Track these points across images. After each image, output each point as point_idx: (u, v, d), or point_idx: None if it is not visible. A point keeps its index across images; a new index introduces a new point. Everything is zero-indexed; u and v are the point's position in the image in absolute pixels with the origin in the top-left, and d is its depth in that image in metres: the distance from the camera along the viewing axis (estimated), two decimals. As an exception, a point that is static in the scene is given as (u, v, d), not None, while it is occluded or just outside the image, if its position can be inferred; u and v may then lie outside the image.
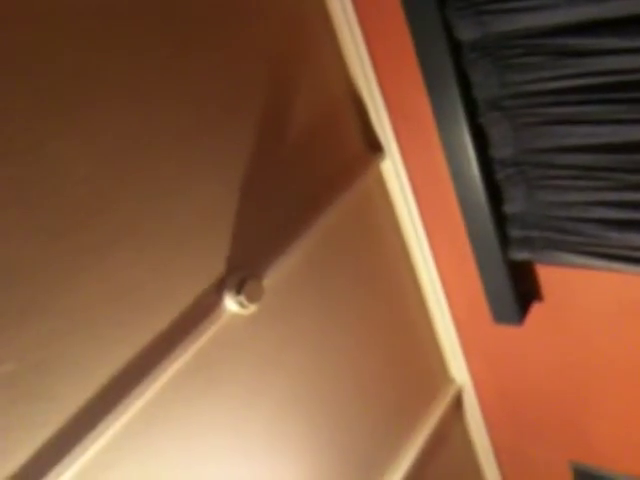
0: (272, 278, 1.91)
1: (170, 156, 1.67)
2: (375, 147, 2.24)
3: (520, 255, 2.13)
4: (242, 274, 1.83)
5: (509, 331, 2.44)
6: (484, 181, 2.03)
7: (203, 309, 1.75)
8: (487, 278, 2.22)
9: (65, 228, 1.45)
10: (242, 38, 1.84)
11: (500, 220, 2.11)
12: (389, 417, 2.47)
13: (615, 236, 1.92)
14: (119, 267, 1.55)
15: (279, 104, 1.95)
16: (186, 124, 1.70)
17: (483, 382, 2.69)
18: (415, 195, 2.31)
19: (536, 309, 2.31)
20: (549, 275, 2.21)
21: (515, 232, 2.11)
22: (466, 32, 1.87)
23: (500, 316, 2.30)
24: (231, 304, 1.81)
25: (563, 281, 2.18)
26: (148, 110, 1.62)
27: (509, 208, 2.09)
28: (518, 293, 2.22)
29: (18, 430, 1.37)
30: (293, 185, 2.00)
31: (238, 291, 1.81)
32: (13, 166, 1.37)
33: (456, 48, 1.91)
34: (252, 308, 1.84)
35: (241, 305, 1.81)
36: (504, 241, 2.14)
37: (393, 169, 2.26)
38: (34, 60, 1.40)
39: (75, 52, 1.47)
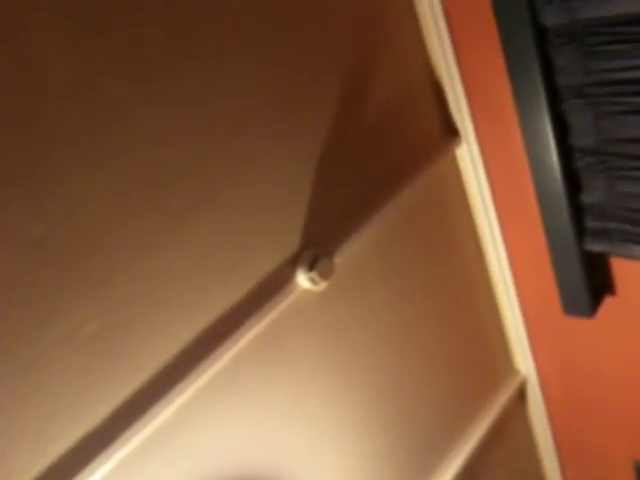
0: (343, 256, 1.93)
1: (253, 128, 1.70)
2: (452, 132, 2.23)
3: (596, 247, 2.10)
4: (315, 251, 1.85)
5: (579, 323, 2.41)
6: (563, 169, 2.01)
7: (277, 282, 1.78)
8: (560, 268, 2.19)
9: (149, 192, 1.50)
10: (327, 17, 1.86)
11: (577, 210, 2.08)
12: (451, 403, 2.47)
13: (696, 231, 1.87)
14: (200, 234, 1.60)
15: (359, 83, 1.96)
16: (270, 97, 1.73)
17: (548, 374, 2.66)
18: (490, 181, 2.29)
19: (608, 302, 2.28)
20: (624, 269, 2.17)
21: (592, 223, 2.08)
22: (552, 17, 1.85)
23: (570, 307, 2.27)
24: (303, 280, 1.83)
25: (638, 276, 2.14)
26: (235, 82, 1.66)
27: (587, 198, 2.06)
28: (591, 285, 2.19)
29: (101, 387, 1.43)
30: (368, 165, 2.01)
31: (310, 267, 1.83)
32: (103, 134, 1.41)
33: (541, 33, 1.88)
34: (323, 285, 1.87)
35: (313, 281, 1.84)
36: (580, 231, 2.11)
37: (469, 154, 2.25)
38: (125, 30, 1.44)
39: (168, 25, 1.51)
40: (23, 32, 1.29)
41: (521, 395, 2.74)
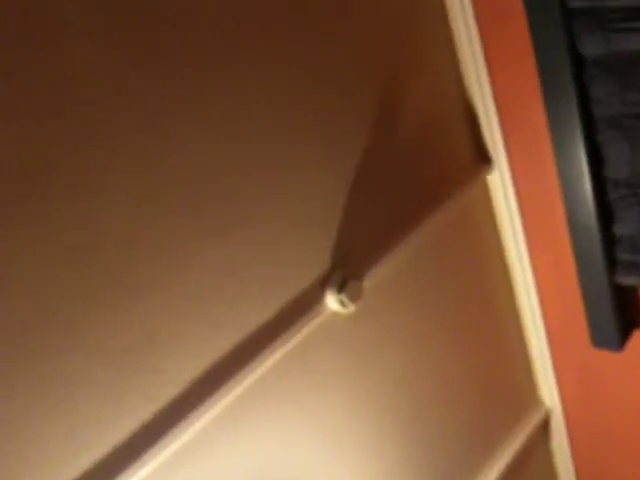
0: (372, 280, 1.92)
1: (287, 147, 1.71)
2: (484, 158, 2.22)
3: (627, 280, 2.08)
4: (345, 273, 1.85)
5: (606, 357, 2.37)
6: (596, 200, 1.99)
7: (306, 303, 1.77)
8: (590, 300, 2.17)
9: (183, 207, 1.50)
10: (364, 36, 1.87)
11: (609, 242, 2.07)
12: (474, 433, 2.44)
13: None
14: (232, 251, 1.60)
15: (393, 106, 1.96)
16: (305, 117, 1.74)
17: (573, 407, 2.63)
18: (520, 209, 2.28)
19: (637, 337, 2.25)
20: (655, 303, 2.15)
21: (624, 255, 2.06)
22: (591, 47, 1.84)
23: (599, 340, 2.24)
24: (332, 302, 1.83)
25: (669, 310, 2.12)
26: (270, 99, 1.66)
27: (619, 230, 2.04)
28: (620, 318, 2.17)
29: (128, 400, 1.43)
30: (399, 188, 2.01)
31: (340, 289, 1.82)
32: (135, 141, 1.42)
33: (578, 62, 1.88)
34: (351, 308, 1.86)
35: (342, 304, 1.83)
36: (611, 264, 2.09)
37: (500, 182, 2.24)
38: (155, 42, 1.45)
39: (205, 35, 1.53)
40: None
41: (545, 427, 2.70)
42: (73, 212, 1.33)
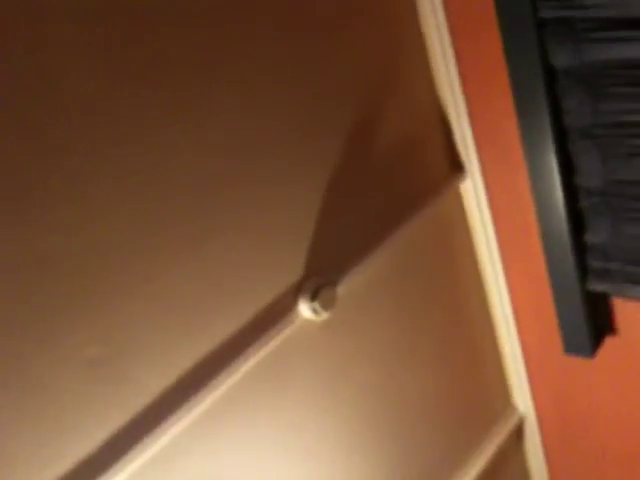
0: (345, 288, 1.93)
1: (263, 155, 1.71)
2: (457, 167, 2.24)
3: (598, 287, 2.10)
4: (318, 281, 1.85)
5: (579, 363, 2.40)
6: (568, 209, 2.01)
7: (278, 311, 1.77)
8: (562, 307, 2.19)
9: (157, 215, 1.50)
10: (341, 50, 1.87)
11: (580, 250, 2.09)
12: (448, 439, 2.45)
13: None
14: (208, 259, 1.60)
15: (368, 116, 1.97)
16: (284, 128, 1.75)
17: (546, 413, 2.65)
18: (493, 217, 2.29)
19: (609, 343, 2.27)
20: (626, 310, 2.17)
21: (595, 263, 2.09)
22: (562, 58, 1.86)
23: (571, 346, 2.26)
24: (305, 309, 1.83)
25: (640, 317, 2.14)
26: (255, 111, 1.68)
27: (591, 238, 2.06)
28: (592, 325, 2.19)
29: (98, 411, 1.42)
30: (374, 197, 2.02)
31: (313, 297, 1.82)
32: (118, 151, 1.42)
33: (550, 73, 1.90)
34: (324, 315, 1.86)
35: (314, 311, 1.83)
36: (583, 271, 2.11)
37: (473, 190, 2.26)
38: (150, 50, 1.45)
39: (193, 47, 1.53)
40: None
41: (518, 433, 2.72)
42: (48, 219, 1.32)
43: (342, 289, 1.91)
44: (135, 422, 1.49)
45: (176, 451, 1.59)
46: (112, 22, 1.39)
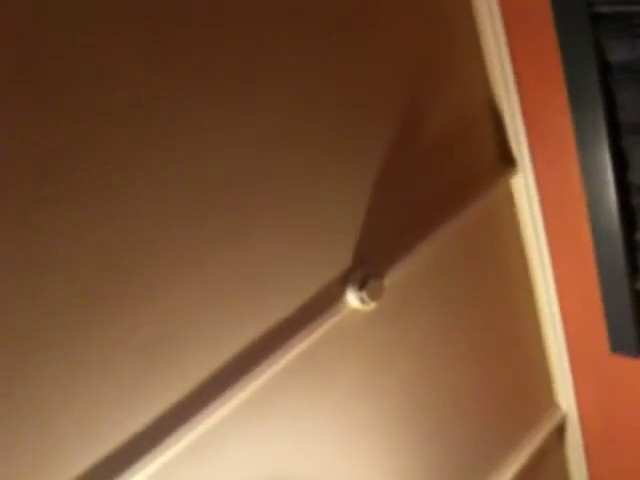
0: (392, 279, 1.93)
1: (309, 145, 1.72)
2: (508, 161, 2.22)
3: (648, 286, 2.08)
4: (366, 271, 1.86)
5: (625, 363, 2.37)
6: (620, 206, 1.99)
7: (326, 300, 1.79)
8: (610, 305, 2.17)
9: (204, 204, 1.52)
10: (394, 42, 1.88)
11: (631, 248, 2.06)
12: (490, 434, 2.44)
13: None
14: (252, 248, 1.61)
15: (419, 106, 1.97)
16: (329, 116, 1.75)
17: (589, 412, 2.62)
18: (543, 212, 2.28)
19: (657, 344, 2.24)
20: (676, 310, 2.14)
21: (646, 262, 2.06)
22: (617, 53, 1.84)
23: (618, 345, 2.24)
24: (353, 299, 1.84)
25: (690, 318, 2.11)
26: (295, 101, 1.68)
27: (642, 236, 2.04)
28: (640, 324, 2.17)
29: (147, 392, 1.45)
30: (423, 188, 2.02)
31: (360, 287, 1.84)
32: (160, 145, 1.44)
33: (605, 68, 1.88)
34: (371, 305, 1.87)
35: (362, 301, 1.84)
36: (633, 270, 2.09)
37: (524, 185, 2.24)
38: (190, 44, 1.47)
39: (233, 41, 1.54)
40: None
41: (560, 432, 2.70)
42: (99, 212, 1.35)
43: (389, 280, 1.91)
44: (183, 403, 1.52)
45: (220, 434, 1.61)
46: (148, 22, 1.41)
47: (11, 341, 1.26)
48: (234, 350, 1.61)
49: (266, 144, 1.63)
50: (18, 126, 1.23)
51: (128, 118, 1.38)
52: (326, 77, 1.74)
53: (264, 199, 1.64)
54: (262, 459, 1.73)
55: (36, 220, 1.27)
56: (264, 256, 1.65)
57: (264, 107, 1.61)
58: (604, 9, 1.81)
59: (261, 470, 1.73)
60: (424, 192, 2.03)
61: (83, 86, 1.31)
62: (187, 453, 1.55)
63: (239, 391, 1.61)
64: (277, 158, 1.65)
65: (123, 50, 1.36)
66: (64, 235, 1.31)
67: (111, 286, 1.38)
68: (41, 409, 1.31)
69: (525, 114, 2.14)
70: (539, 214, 2.28)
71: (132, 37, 1.37)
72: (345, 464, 1.94)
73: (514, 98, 2.13)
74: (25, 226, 1.25)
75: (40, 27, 1.24)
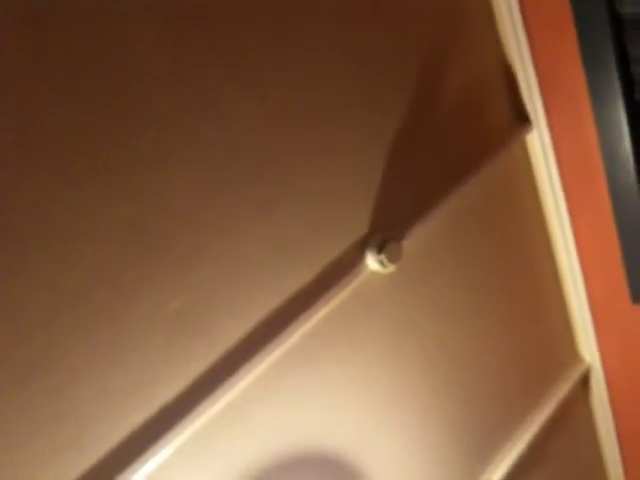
0: (411, 241, 1.95)
1: (327, 115, 1.74)
2: (523, 119, 2.22)
3: (667, 237, 2.08)
4: (384, 234, 1.89)
5: (646, 314, 2.39)
6: (636, 159, 1.99)
7: (346, 264, 1.82)
8: (630, 257, 2.18)
9: (230, 178, 1.56)
10: (403, 3, 1.87)
11: (649, 200, 2.07)
12: (513, 390, 2.47)
13: None
14: (273, 217, 1.65)
15: (430, 69, 1.97)
16: (347, 84, 1.77)
17: (613, 363, 2.65)
18: (560, 168, 2.28)
19: (678, 294, 2.25)
20: (696, 260, 2.15)
21: (663, 214, 2.07)
22: (630, 6, 1.83)
23: (638, 296, 2.25)
24: (372, 262, 1.87)
25: None
26: (312, 71, 1.70)
27: (659, 189, 2.04)
28: (661, 276, 2.18)
29: (178, 362, 1.50)
30: (437, 150, 2.03)
31: (379, 250, 1.86)
32: (191, 120, 1.48)
33: (617, 22, 1.87)
34: (391, 268, 1.90)
35: (381, 264, 1.87)
36: (651, 222, 2.09)
37: (539, 142, 2.24)
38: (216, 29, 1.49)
39: (252, 19, 1.56)
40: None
41: (584, 384, 2.72)
42: (127, 187, 1.39)
43: (408, 243, 1.94)
44: (211, 372, 1.57)
45: (248, 400, 1.66)
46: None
47: (46, 318, 1.31)
48: (259, 317, 1.65)
49: (287, 117, 1.65)
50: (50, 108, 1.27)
51: (158, 93, 1.42)
52: (341, 47, 1.75)
53: (286, 169, 1.67)
54: (289, 422, 1.78)
55: (70, 196, 1.31)
56: (286, 225, 1.68)
57: (285, 80, 1.64)
58: (616, -41, 1.79)
59: (288, 438, 1.78)
60: (440, 153, 2.03)
61: (112, 62, 1.35)
62: (219, 418, 1.60)
63: (265, 356, 1.66)
64: (298, 130, 1.68)
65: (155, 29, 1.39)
66: (91, 209, 1.35)
67: (139, 261, 1.43)
68: (72, 387, 1.37)
69: (538, 71, 2.13)
70: (555, 171, 2.28)
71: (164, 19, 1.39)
72: (373, 423, 1.99)
73: (527, 56, 2.12)
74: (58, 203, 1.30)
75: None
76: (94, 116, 1.33)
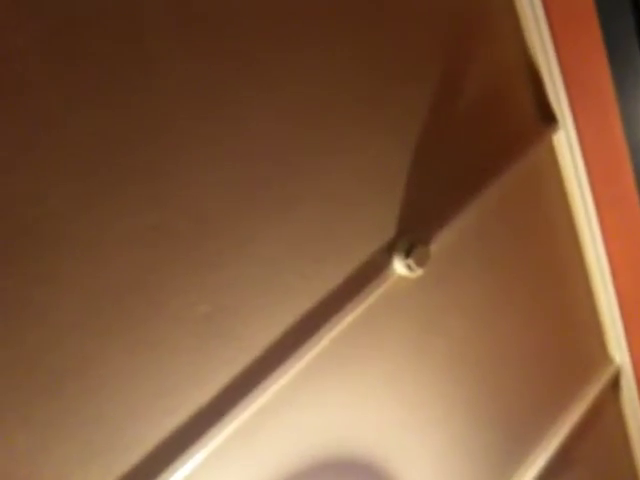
0: (438, 244, 1.94)
1: (350, 117, 1.73)
2: (549, 118, 2.20)
3: (698, 235, 2.05)
4: (411, 238, 1.87)
5: (678, 314, 2.36)
6: (664, 156, 1.97)
7: (373, 268, 1.81)
8: (660, 257, 2.16)
9: (254, 182, 1.55)
10: (423, 3, 1.87)
11: (677, 199, 2.04)
12: (540, 393, 2.45)
13: None
14: (299, 221, 1.64)
15: (455, 67, 1.96)
16: (367, 84, 1.76)
17: (643, 364, 2.62)
18: (587, 167, 2.26)
19: None
20: None
21: (694, 211, 2.04)
22: (656, 1, 1.81)
23: (669, 296, 2.23)
24: (399, 266, 1.86)
25: None
26: (332, 73, 1.69)
27: (689, 186, 2.01)
28: (692, 275, 2.15)
29: (209, 366, 1.50)
30: (464, 152, 2.01)
31: (407, 254, 1.85)
32: (201, 127, 1.47)
33: (643, 17, 1.85)
34: (419, 272, 1.89)
35: (409, 268, 1.86)
36: (681, 220, 2.07)
37: (566, 141, 2.22)
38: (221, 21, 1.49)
39: (264, 15, 1.56)
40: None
41: (614, 385, 2.69)
42: (150, 195, 1.40)
43: (434, 246, 1.92)
44: (242, 377, 1.57)
45: (280, 403, 1.66)
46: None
47: (78, 323, 1.32)
48: (289, 321, 1.65)
49: (312, 117, 1.65)
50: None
51: (176, 99, 1.42)
52: (360, 44, 1.74)
53: (310, 173, 1.66)
54: (319, 424, 1.77)
55: (94, 203, 1.32)
56: (312, 229, 1.67)
57: (301, 79, 1.63)
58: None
59: (318, 440, 1.78)
60: (465, 155, 2.02)
61: (134, 68, 1.35)
62: (252, 420, 1.60)
63: (296, 360, 1.65)
64: (321, 131, 1.67)
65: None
66: (118, 217, 1.36)
67: (166, 265, 1.43)
68: (105, 391, 1.37)
69: (563, 69, 2.12)
70: (583, 169, 2.26)
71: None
72: (401, 430, 1.98)
73: (551, 53, 2.10)
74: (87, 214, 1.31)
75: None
76: (117, 130, 1.34)
